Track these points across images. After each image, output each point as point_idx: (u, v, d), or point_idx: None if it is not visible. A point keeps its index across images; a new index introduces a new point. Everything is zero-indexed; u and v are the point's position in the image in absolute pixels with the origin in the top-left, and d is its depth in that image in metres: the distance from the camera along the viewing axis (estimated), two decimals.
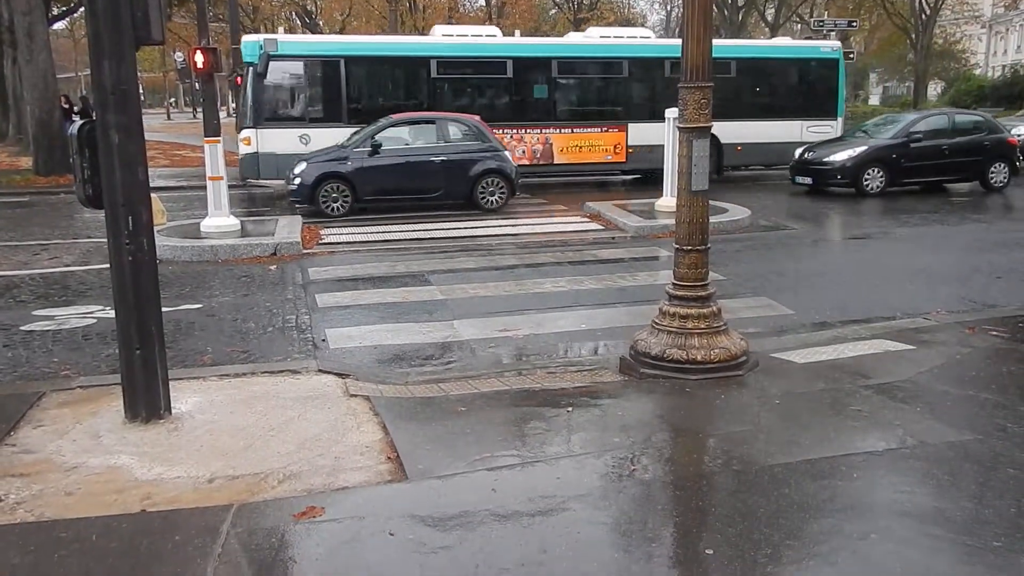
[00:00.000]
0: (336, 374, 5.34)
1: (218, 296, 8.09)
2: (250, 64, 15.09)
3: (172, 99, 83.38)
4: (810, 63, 18.70)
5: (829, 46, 19.19)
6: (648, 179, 16.61)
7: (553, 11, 41.08)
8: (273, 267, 9.43)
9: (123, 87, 4.28)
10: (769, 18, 38.88)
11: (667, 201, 11.86)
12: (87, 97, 34.03)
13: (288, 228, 11.06)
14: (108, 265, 4.44)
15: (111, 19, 4.21)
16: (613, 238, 11.30)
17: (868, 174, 15.10)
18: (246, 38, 15.92)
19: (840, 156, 15.37)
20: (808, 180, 15.84)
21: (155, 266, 4.45)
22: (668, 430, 4.45)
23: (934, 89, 49.97)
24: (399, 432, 4.29)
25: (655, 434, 4.32)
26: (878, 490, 3.61)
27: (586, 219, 12.72)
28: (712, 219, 6.03)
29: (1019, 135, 18.55)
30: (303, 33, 42.21)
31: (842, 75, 18.72)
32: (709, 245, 5.40)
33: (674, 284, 5.44)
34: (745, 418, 4.47)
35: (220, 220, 10.73)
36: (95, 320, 7.04)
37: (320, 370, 5.43)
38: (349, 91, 15.82)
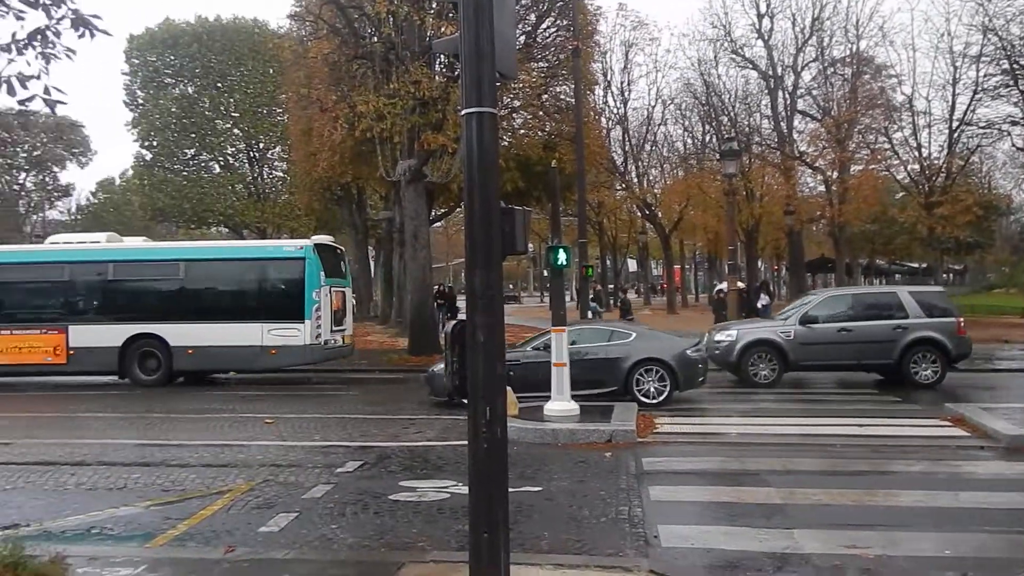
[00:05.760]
0: None
1: (556, 480, 8.42)
2: None
3: (524, 284, 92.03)
4: (272, 263, 18.32)
5: (295, 245, 18.62)
6: None
7: (901, 195, 39.13)
8: (608, 454, 9.64)
9: (490, 292, 4.86)
10: None
11: None
12: (452, 287, 38.93)
13: (623, 416, 11.32)
14: (463, 442, 4.90)
15: (484, 236, 4.87)
16: (982, 447, 9.92)
17: None
18: None
19: None
20: None
21: (505, 455, 4.82)
22: None
23: None
24: None
25: None
26: None
27: (947, 423, 11.37)
28: None
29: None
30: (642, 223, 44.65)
31: (310, 275, 17.54)
32: None
33: None
34: None
35: (562, 404, 11.32)
36: (449, 495, 7.70)
37: (651, 571, 5.36)
38: None
